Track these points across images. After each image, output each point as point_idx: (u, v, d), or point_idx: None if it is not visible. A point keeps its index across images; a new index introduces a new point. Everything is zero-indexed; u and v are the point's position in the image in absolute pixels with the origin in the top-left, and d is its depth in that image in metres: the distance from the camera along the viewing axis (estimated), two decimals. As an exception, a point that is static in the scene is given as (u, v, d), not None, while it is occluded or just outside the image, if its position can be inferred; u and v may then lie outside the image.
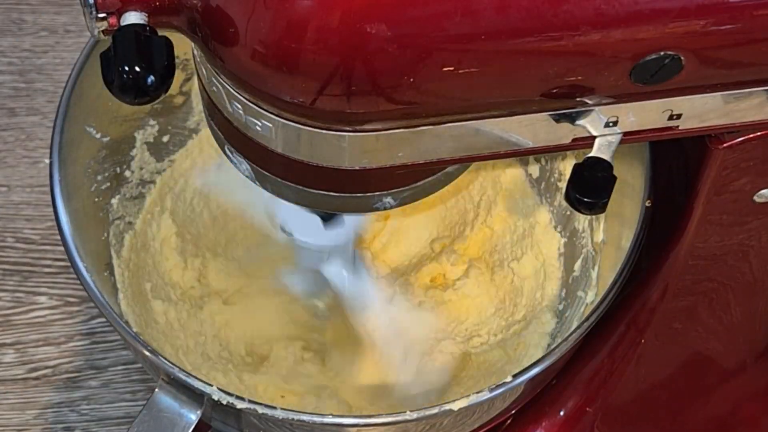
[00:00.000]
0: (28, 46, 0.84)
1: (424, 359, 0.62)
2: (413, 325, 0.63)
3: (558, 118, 0.41)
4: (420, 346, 0.62)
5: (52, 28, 0.85)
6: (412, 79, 0.36)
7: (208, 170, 0.66)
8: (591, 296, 0.60)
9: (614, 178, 0.41)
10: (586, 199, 0.41)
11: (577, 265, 0.62)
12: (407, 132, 0.40)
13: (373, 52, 0.36)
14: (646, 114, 0.42)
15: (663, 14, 0.37)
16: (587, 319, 0.51)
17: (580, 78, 0.39)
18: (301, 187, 0.42)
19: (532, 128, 0.42)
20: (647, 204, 0.52)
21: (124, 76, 0.35)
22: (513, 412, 0.58)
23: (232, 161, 0.44)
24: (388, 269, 0.65)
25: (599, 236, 0.60)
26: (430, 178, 0.44)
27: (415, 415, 0.48)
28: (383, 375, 0.62)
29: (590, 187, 0.41)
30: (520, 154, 0.43)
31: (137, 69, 0.35)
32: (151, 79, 0.35)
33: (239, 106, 0.39)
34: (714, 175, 0.48)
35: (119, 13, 0.37)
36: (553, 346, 0.51)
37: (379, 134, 0.39)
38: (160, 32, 0.37)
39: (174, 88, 0.62)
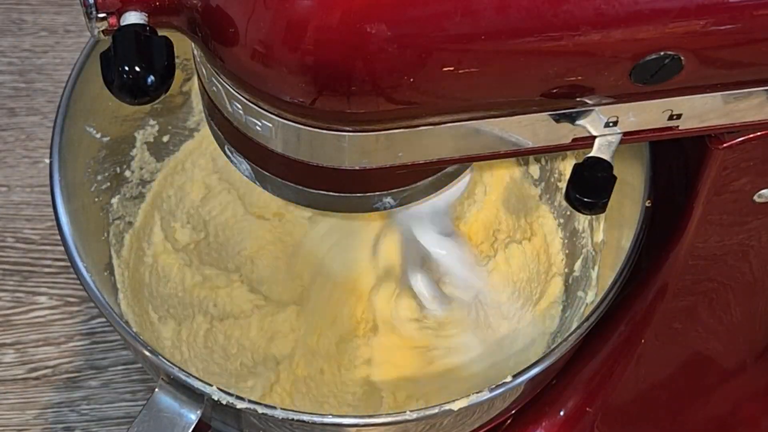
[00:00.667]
0: (28, 46, 0.84)
1: None
2: None
3: (558, 118, 0.41)
4: None
5: (52, 28, 0.85)
6: (412, 79, 0.36)
7: None
8: (591, 296, 0.60)
9: (614, 178, 0.41)
10: (586, 199, 0.41)
11: (577, 265, 0.62)
12: (407, 132, 0.40)
13: (373, 52, 0.35)
14: (646, 114, 0.42)
15: (663, 14, 0.37)
16: (587, 319, 0.51)
17: (580, 78, 0.39)
18: (301, 187, 0.42)
19: (532, 128, 0.42)
20: (647, 204, 0.52)
21: (124, 76, 0.35)
22: (513, 412, 0.58)
23: (232, 161, 0.44)
24: None
25: (599, 236, 0.60)
26: (430, 178, 0.44)
27: (414, 415, 0.48)
28: None
29: (590, 187, 0.41)
30: (520, 154, 0.43)
31: (137, 69, 0.35)
32: (151, 79, 0.35)
33: (239, 106, 0.39)
34: (714, 175, 0.48)
35: (119, 13, 0.37)
36: (553, 346, 0.51)
37: (379, 134, 0.39)
38: (160, 32, 0.37)
39: (174, 88, 0.61)
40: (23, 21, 0.85)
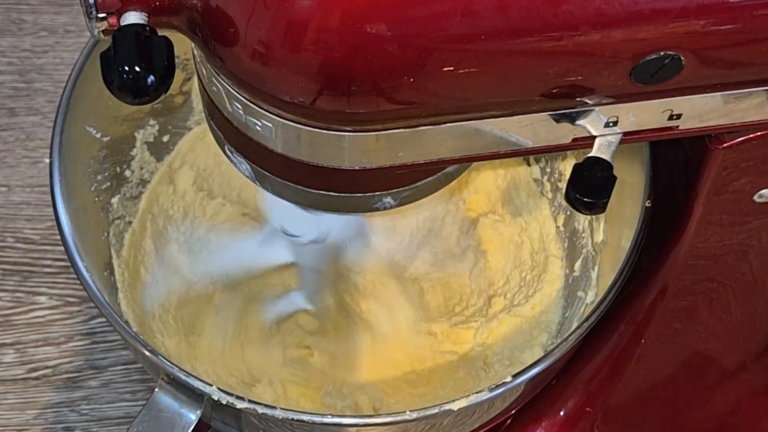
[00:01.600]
0: (28, 46, 0.84)
1: None
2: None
3: (558, 118, 0.41)
4: None
5: (52, 28, 0.85)
6: (412, 79, 0.36)
7: None
8: (591, 296, 0.59)
9: (614, 178, 0.41)
10: (586, 199, 0.41)
11: (577, 265, 0.62)
12: (407, 132, 0.40)
13: (373, 52, 0.35)
14: (646, 114, 0.42)
15: (663, 14, 0.37)
16: (587, 319, 0.51)
17: (580, 78, 0.39)
18: (301, 187, 0.42)
19: (532, 128, 0.41)
20: (647, 204, 0.52)
21: (124, 76, 0.35)
22: (513, 412, 0.58)
23: (231, 161, 0.44)
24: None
25: (599, 236, 0.60)
26: (430, 178, 0.43)
27: (414, 415, 0.48)
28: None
29: (590, 187, 0.41)
30: (520, 154, 0.43)
31: (137, 69, 0.35)
32: (151, 79, 0.35)
33: (239, 106, 0.39)
34: (714, 175, 0.48)
35: (119, 13, 0.36)
36: (552, 347, 0.51)
37: (379, 134, 0.39)
38: (160, 32, 0.37)
39: (174, 88, 0.62)
40: (23, 21, 0.85)
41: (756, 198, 0.50)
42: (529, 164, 0.66)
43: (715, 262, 0.54)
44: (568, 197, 0.41)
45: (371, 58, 0.36)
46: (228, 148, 0.43)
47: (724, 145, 0.46)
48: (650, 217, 0.53)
